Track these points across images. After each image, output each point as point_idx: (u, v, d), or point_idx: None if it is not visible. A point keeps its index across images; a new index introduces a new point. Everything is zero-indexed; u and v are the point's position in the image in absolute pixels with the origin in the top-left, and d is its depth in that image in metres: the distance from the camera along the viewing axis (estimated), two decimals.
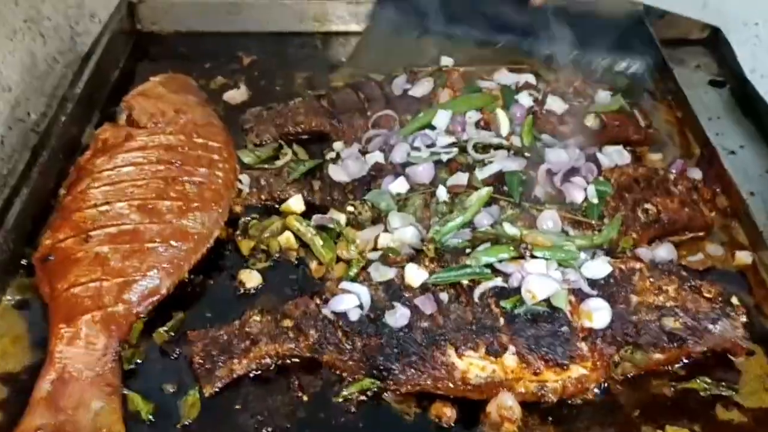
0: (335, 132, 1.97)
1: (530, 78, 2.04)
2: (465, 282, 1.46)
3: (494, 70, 2.08)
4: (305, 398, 1.41)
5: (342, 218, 1.69)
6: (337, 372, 1.44)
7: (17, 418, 1.36)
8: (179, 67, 2.17)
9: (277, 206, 1.77)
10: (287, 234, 1.66)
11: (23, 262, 1.64)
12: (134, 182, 1.66)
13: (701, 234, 1.76)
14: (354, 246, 1.61)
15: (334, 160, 1.84)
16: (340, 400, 1.40)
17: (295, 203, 1.75)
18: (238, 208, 1.76)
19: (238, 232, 1.71)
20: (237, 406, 1.40)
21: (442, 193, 1.68)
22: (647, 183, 1.75)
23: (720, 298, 1.48)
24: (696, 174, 1.86)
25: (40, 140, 1.90)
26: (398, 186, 1.72)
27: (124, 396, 1.40)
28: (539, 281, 1.42)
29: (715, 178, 1.88)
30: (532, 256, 1.47)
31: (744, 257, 1.70)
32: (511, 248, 1.48)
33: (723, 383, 1.44)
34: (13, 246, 1.64)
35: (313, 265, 1.63)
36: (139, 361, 1.47)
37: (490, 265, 1.47)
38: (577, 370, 1.39)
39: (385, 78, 2.08)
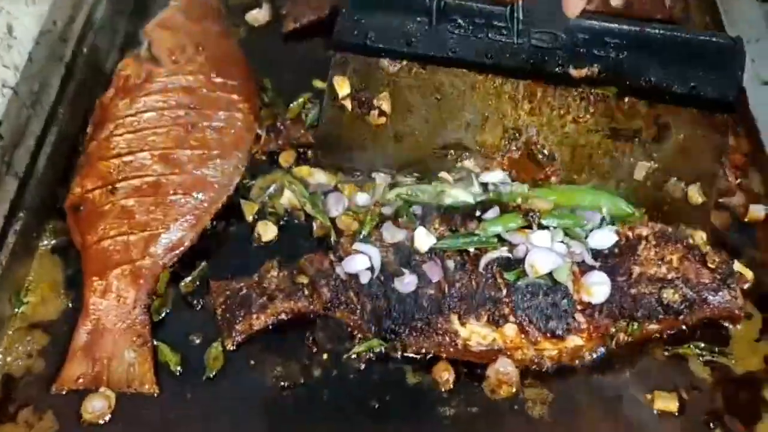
0: None
1: None
2: (472, 250, 1.51)
3: None
4: (319, 354, 1.52)
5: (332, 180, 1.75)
6: (349, 329, 1.54)
7: (57, 364, 1.51)
8: None
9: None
10: (289, 194, 1.70)
11: (57, 205, 1.73)
12: (155, 130, 1.70)
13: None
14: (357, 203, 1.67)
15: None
16: (352, 356, 1.51)
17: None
18: (257, 150, 1.79)
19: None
20: (256, 361, 1.52)
21: None
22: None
23: (724, 267, 1.51)
24: None
25: (66, 75, 1.92)
26: None
27: (154, 347, 1.53)
28: (542, 256, 1.46)
29: (740, 118, 1.81)
30: (539, 225, 1.51)
31: (757, 211, 1.70)
32: (519, 218, 1.52)
33: (716, 350, 1.51)
34: (46, 190, 1.73)
35: (317, 223, 1.68)
36: (166, 311, 1.59)
37: (497, 234, 1.52)
38: (573, 341, 1.46)
39: None
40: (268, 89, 1.88)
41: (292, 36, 2.05)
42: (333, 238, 1.65)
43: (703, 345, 1.52)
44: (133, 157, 1.67)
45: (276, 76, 1.95)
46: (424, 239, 1.53)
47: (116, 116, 1.73)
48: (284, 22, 2.05)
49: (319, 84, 1.88)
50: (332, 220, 1.67)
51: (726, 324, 1.54)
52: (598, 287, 1.46)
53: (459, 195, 1.62)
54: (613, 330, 1.47)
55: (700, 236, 1.55)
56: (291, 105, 1.85)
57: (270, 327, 1.55)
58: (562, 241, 1.50)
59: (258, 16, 2.09)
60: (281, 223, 1.71)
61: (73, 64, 1.97)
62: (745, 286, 1.56)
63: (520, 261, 1.49)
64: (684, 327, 1.53)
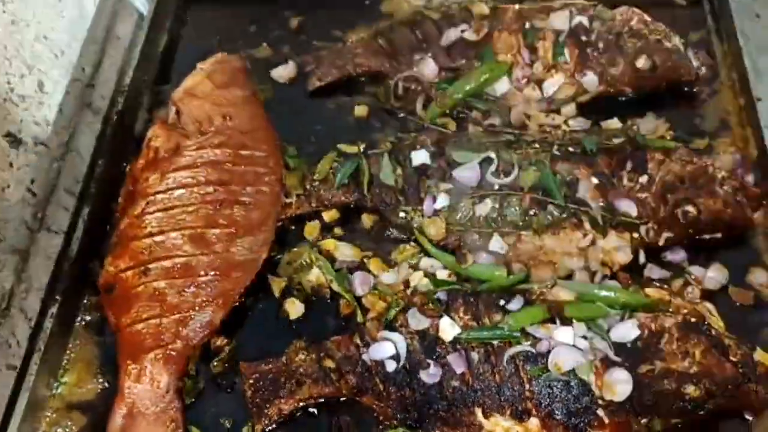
0: (394, 71, 2.02)
1: (584, 20, 1.99)
2: (496, 342, 1.54)
3: (548, 8, 2.03)
4: None
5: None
6: (375, 414, 1.58)
7: None
8: (224, 32, 2.15)
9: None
10: (316, 271, 1.73)
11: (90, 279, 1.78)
12: (185, 208, 1.74)
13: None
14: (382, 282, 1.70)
15: (378, 156, 1.86)
16: None
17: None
18: (288, 216, 1.82)
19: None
20: None
21: (485, 207, 1.73)
22: (693, 182, 1.75)
23: (746, 361, 1.52)
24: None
25: (96, 149, 1.95)
26: (441, 202, 1.76)
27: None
28: (565, 353, 1.48)
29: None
30: (563, 320, 1.53)
31: None
32: (543, 311, 1.54)
33: None
34: (80, 265, 1.78)
35: (343, 301, 1.71)
36: (198, 391, 1.64)
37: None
38: None
39: (441, 17, 2.06)
40: (293, 156, 1.89)
41: (317, 93, 2.06)
42: (359, 317, 1.68)
43: None
44: (164, 237, 1.71)
45: (301, 135, 1.97)
46: (448, 329, 1.56)
47: (147, 192, 1.77)
48: (309, 81, 2.05)
49: (345, 148, 1.90)
50: (358, 299, 1.71)
51: (746, 415, 1.56)
52: (620, 386, 1.48)
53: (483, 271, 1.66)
54: (635, 426, 1.50)
55: None
56: (319, 164, 1.86)
57: (298, 409, 1.60)
58: (584, 336, 1.52)
59: (283, 72, 2.09)
60: (308, 299, 1.74)
61: (105, 119, 2.01)
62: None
63: (543, 355, 1.51)
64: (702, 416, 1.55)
